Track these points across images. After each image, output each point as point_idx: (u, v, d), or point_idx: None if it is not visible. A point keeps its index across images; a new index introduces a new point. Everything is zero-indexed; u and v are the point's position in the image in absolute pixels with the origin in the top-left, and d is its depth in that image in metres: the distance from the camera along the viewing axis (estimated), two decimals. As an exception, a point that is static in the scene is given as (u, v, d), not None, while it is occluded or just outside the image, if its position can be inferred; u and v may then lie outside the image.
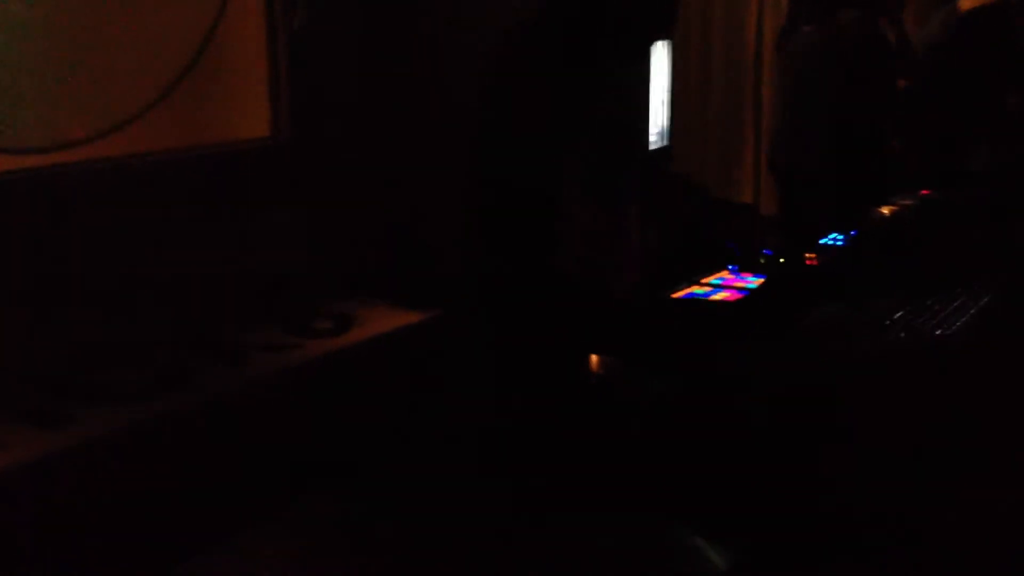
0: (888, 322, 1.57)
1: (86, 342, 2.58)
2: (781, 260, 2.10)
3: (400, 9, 3.31)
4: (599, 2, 1.86)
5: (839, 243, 2.31)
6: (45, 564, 2.09)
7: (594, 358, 1.72)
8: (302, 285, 3.15)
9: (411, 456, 2.51)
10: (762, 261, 2.19)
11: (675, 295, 1.94)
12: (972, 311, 1.60)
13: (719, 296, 1.93)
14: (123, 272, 2.69)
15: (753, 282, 2.03)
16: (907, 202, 2.68)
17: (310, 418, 2.70)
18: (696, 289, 1.98)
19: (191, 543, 2.16)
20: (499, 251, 1.93)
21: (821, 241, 2.33)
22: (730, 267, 2.15)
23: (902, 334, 1.50)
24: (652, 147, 3.32)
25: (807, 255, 2.20)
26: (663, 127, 3.56)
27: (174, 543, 2.19)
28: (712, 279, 2.06)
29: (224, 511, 2.37)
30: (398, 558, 1.90)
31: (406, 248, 3.27)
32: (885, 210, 2.63)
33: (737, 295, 1.93)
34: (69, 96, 2.63)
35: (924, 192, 2.81)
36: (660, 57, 4.30)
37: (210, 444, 2.45)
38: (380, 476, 2.34)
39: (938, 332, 1.49)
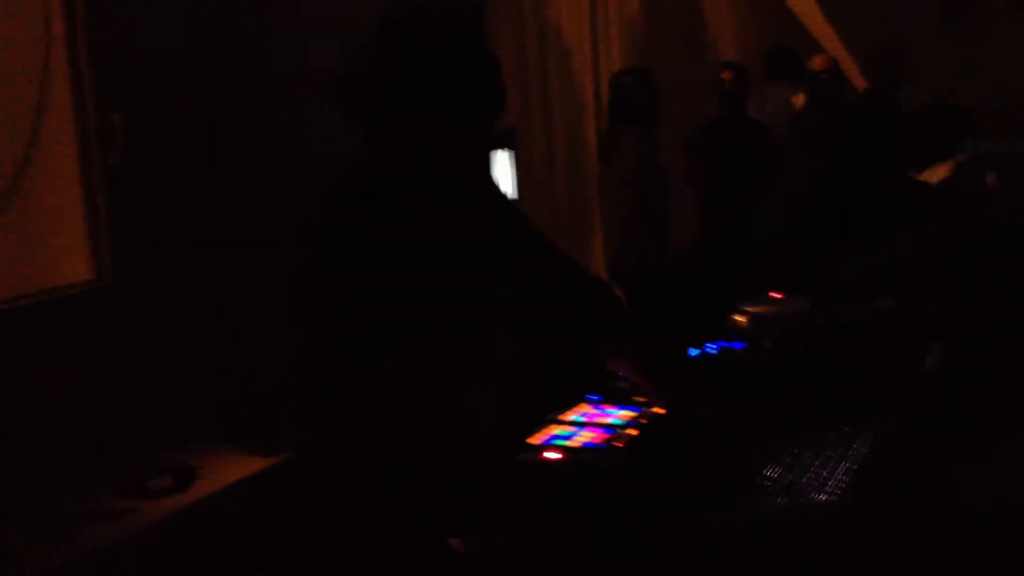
0: (765, 482, 1.46)
1: None
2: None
3: (226, 143, 3.20)
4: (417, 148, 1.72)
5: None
6: None
7: (453, 542, 1.56)
8: (136, 437, 2.91)
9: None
10: (624, 386, 2.09)
11: (530, 442, 1.80)
12: (854, 461, 1.51)
13: (583, 437, 1.82)
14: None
15: (617, 415, 1.92)
16: (758, 308, 2.63)
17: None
18: (556, 431, 1.86)
19: None
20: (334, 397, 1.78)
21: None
22: (589, 397, 2.05)
23: (780, 499, 1.40)
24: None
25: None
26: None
27: None
28: (572, 415, 1.95)
29: None
30: None
31: (246, 391, 3.06)
32: (740, 318, 2.58)
33: (603, 434, 1.82)
34: None
35: (774, 294, 2.78)
36: (503, 165, 4.28)
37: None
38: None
39: (820, 496, 1.39)
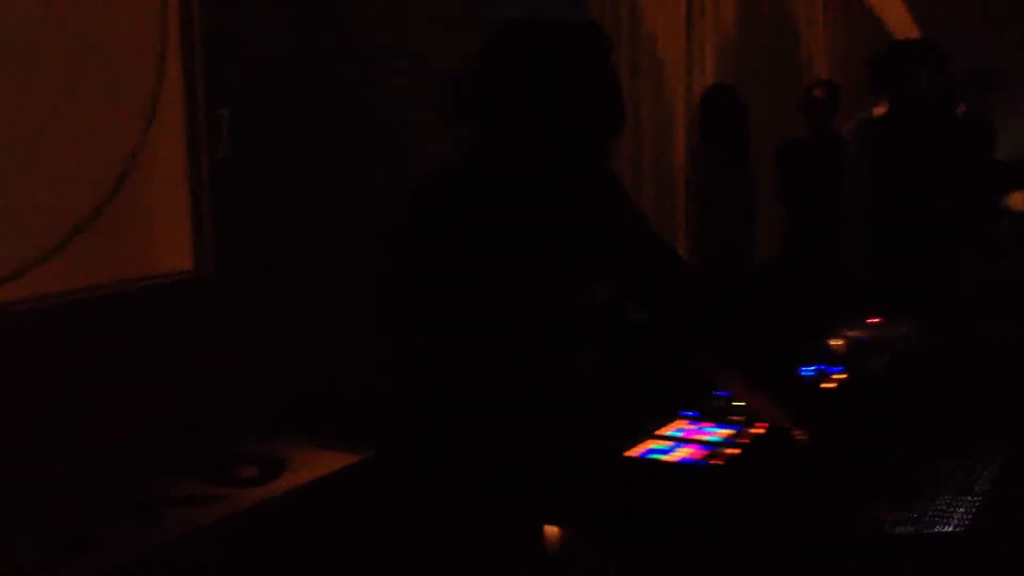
0: (883, 509, 1.42)
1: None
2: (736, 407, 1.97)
3: (325, 141, 3.24)
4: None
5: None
6: None
7: (550, 531, 1.56)
8: (225, 427, 2.96)
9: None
10: (719, 404, 2.07)
11: (629, 453, 1.80)
12: (980, 493, 1.45)
13: (680, 453, 1.80)
14: (21, 421, 2.47)
15: (715, 433, 1.90)
16: (857, 332, 2.58)
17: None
18: (654, 444, 1.84)
19: None
20: (434, 395, 1.78)
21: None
22: (686, 413, 2.03)
23: (901, 528, 1.36)
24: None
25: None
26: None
27: None
28: (669, 430, 1.93)
29: None
30: None
31: (336, 384, 3.09)
32: (837, 341, 2.54)
33: (701, 451, 1.80)
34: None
35: (872, 320, 2.72)
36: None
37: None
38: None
39: (947, 528, 1.35)
